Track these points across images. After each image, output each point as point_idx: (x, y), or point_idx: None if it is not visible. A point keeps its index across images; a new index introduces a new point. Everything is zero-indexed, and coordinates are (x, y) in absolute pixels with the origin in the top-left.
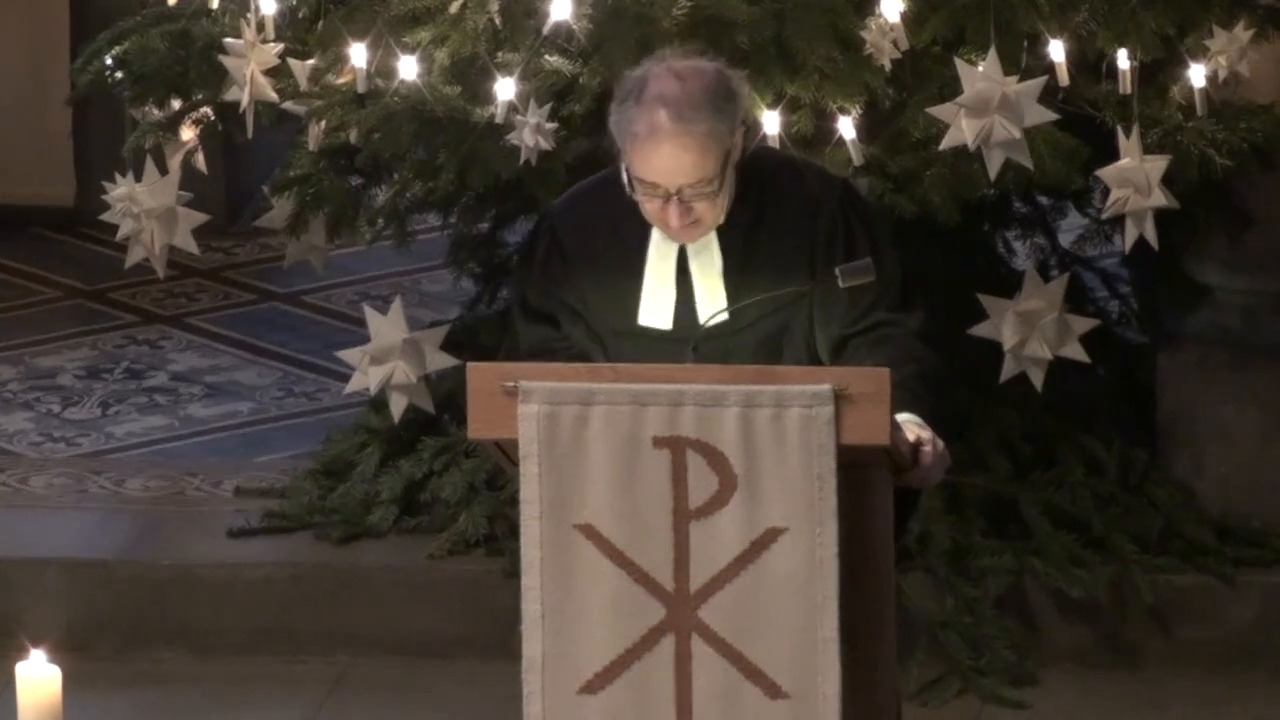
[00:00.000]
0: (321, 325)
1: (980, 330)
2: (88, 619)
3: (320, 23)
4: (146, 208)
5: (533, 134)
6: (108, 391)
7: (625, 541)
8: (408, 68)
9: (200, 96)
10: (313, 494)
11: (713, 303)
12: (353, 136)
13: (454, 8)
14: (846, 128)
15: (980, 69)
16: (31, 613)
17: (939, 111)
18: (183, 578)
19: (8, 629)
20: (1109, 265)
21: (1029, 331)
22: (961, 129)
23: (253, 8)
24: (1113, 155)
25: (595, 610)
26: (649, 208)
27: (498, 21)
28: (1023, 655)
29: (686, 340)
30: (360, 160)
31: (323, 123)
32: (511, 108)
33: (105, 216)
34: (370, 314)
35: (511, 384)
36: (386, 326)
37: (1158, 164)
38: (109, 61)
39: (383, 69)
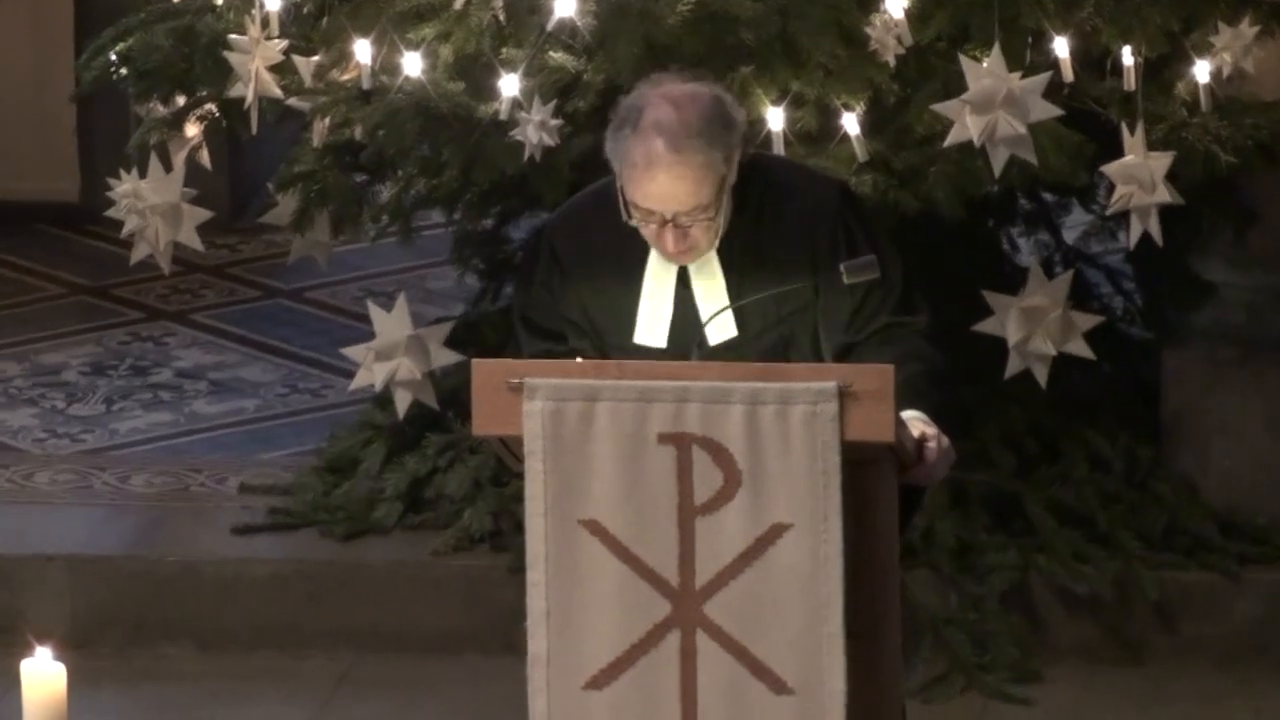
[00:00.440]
0: (326, 322)
1: (985, 326)
2: (92, 616)
3: (325, 19)
4: (151, 204)
5: (537, 130)
6: (112, 388)
7: (630, 537)
8: (412, 64)
9: (205, 93)
10: (317, 490)
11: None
12: (357, 133)
13: (458, 4)
14: (851, 124)
15: (985, 65)
16: (36, 609)
17: (944, 108)
18: (187, 574)
19: (12, 626)
20: (1113, 262)
21: (1033, 328)
22: (967, 125)
23: (257, 4)
24: (1117, 152)
25: (600, 606)
26: (645, 232)
27: (502, 18)
28: (1027, 651)
29: (685, 358)
30: (365, 157)
31: (327, 119)
32: (516, 104)
33: (110, 213)
34: (375, 310)
35: (516, 380)
36: (391, 323)
37: (1162, 160)
38: (114, 58)
39: (387, 65)
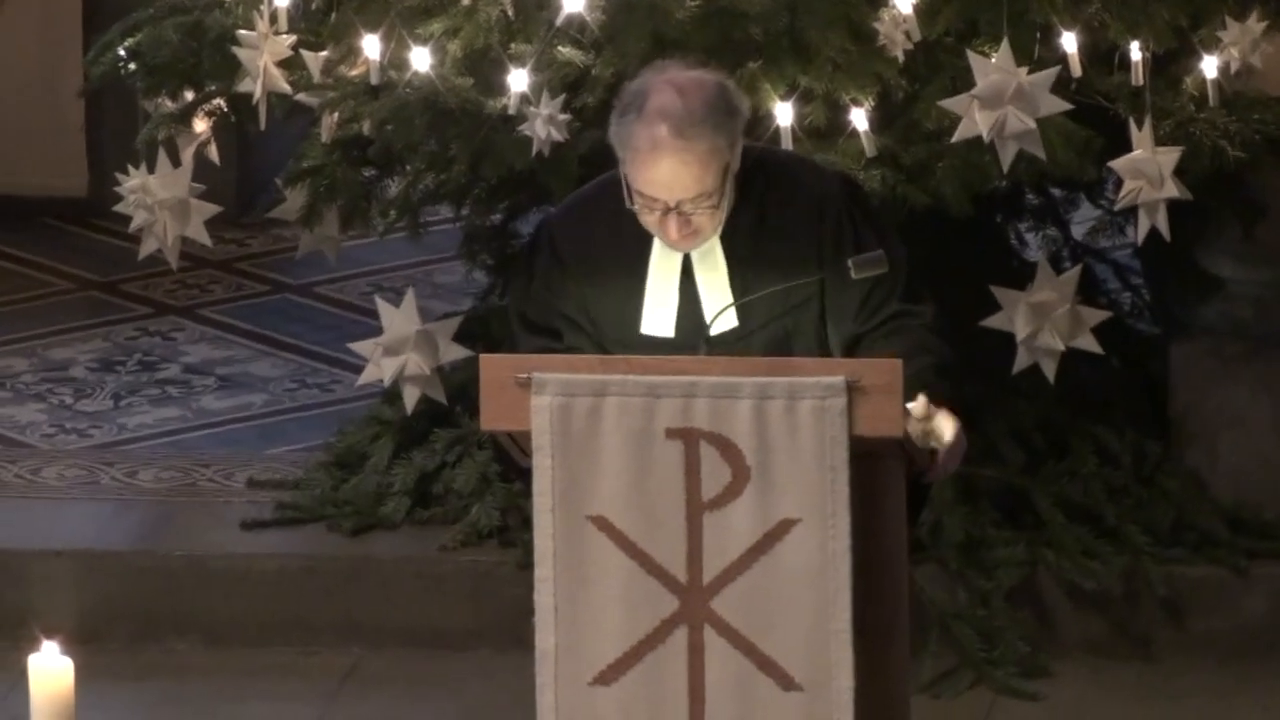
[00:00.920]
0: (334, 317)
1: (993, 322)
2: (100, 610)
3: (333, 14)
4: (159, 199)
5: (545, 125)
6: (120, 383)
7: (638, 533)
8: (420, 59)
9: (213, 88)
10: (325, 485)
11: (719, 307)
12: (365, 128)
13: None
14: (859, 119)
15: (993, 60)
16: (44, 604)
17: (952, 104)
18: (195, 569)
19: (20, 620)
20: (1121, 257)
21: (1041, 323)
22: (975, 120)
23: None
24: (1125, 147)
25: (608, 602)
26: (648, 220)
27: (510, 13)
28: (1035, 647)
29: (692, 348)
30: (373, 152)
31: (335, 114)
32: (524, 99)
33: (118, 208)
34: (383, 306)
35: (524, 376)
36: (399, 318)
37: (1170, 155)
38: (122, 53)
39: (395, 61)
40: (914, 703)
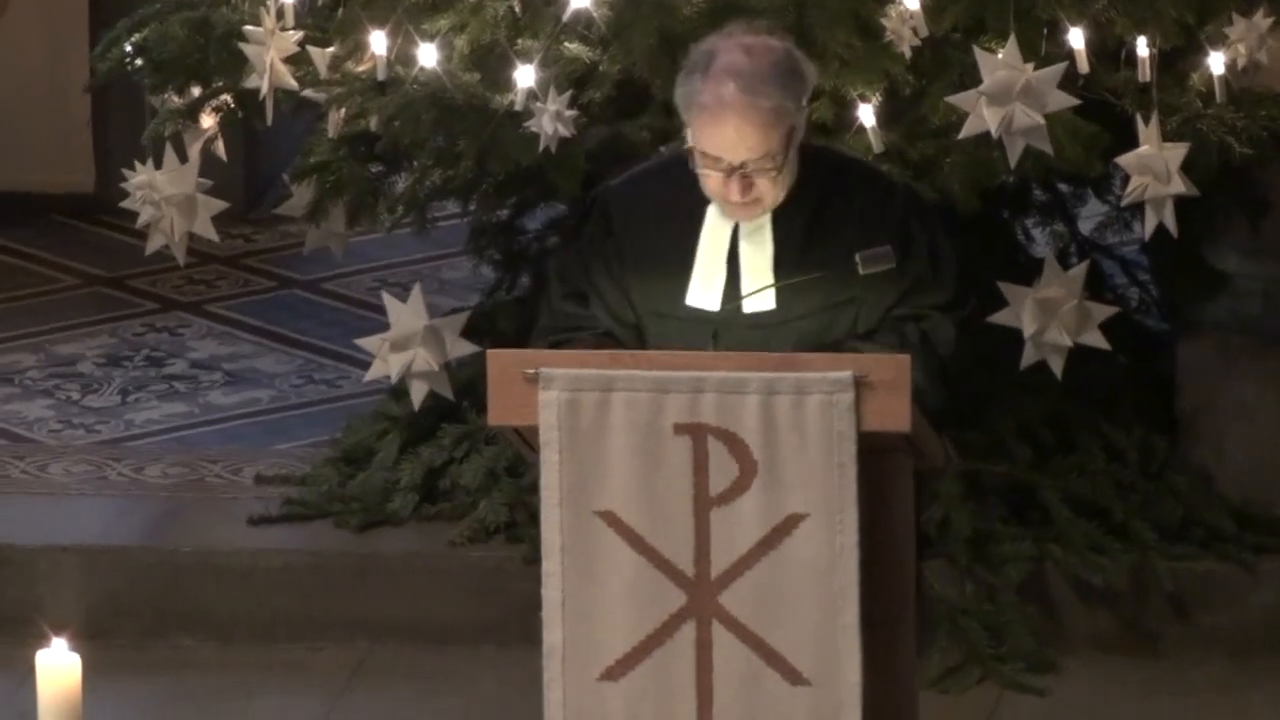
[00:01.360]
0: (341, 312)
1: (1000, 318)
2: (107, 606)
3: (340, 10)
4: (166, 195)
5: (552, 121)
6: (127, 379)
7: (646, 528)
8: (427, 55)
9: (220, 84)
10: (332, 481)
11: (758, 285)
12: (372, 124)
13: None
14: (866, 115)
15: (1000, 57)
16: (51, 600)
17: (959, 100)
18: (202, 565)
19: (27, 617)
20: (1128, 253)
21: (1049, 319)
22: (982, 116)
23: None
24: (1132, 143)
25: (616, 597)
26: (710, 182)
27: (517, 9)
28: (1043, 642)
29: (731, 323)
30: (380, 147)
31: (342, 110)
32: (531, 95)
33: (125, 204)
34: (390, 301)
35: (532, 371)
36: (406, 314)
37: (1177, 151)
38: (129, 49)
39: (402, 56)
40: (921, 698)
